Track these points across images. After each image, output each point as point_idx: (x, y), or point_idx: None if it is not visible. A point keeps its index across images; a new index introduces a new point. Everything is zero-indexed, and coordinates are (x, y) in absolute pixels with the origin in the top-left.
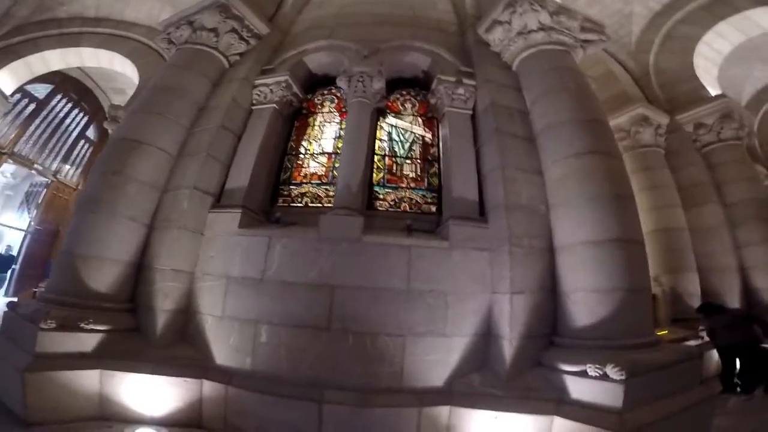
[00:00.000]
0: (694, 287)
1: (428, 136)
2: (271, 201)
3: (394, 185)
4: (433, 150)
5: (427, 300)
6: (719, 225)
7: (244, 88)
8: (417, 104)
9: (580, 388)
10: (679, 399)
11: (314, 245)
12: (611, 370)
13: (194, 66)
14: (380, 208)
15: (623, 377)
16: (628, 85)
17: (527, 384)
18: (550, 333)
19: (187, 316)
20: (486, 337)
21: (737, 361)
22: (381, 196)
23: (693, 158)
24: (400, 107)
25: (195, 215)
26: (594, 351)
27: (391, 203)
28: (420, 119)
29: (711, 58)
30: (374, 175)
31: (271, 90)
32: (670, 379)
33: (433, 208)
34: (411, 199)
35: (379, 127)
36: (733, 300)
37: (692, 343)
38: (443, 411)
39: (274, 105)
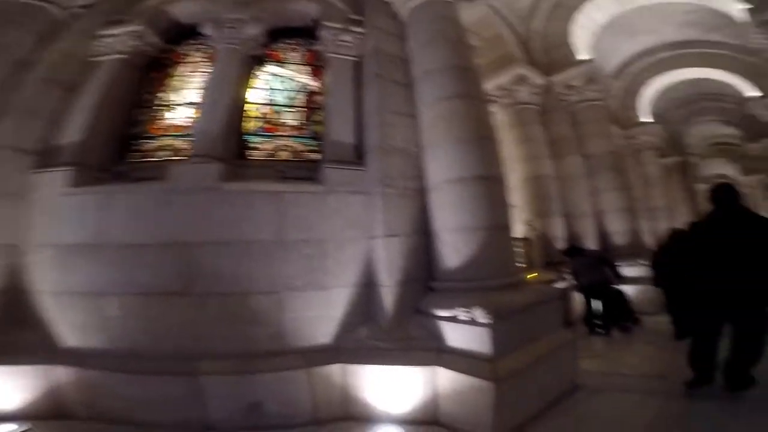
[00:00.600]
0: (560, 231)
1: (315, 84)
2: (120, 157)
3: (271, 134)
4: (320, 99)
5: (303, 250)
6: (580, 174)
7: (84, 40)
8: (305, 53)
9: (454, 335)
10: (547, 341)
11: (164, 199)
12: (479, 314)
13: (15, 19)
14: (254, 158)
15: (491, 321)
16: (513, 48)
17: (409, 333)
18: (428, 277)
19: (21, 296)
20: (369, 287)
21: (597, 301)
22: (255, 146)
23: (562, 115)
24: (285, 56)
25: (13, 178)
26: (463, 294)
27: (269, 153)
28: (307, 68)
29: (588, 27)
30: (248, 124)
31: (120, 40)
32: (536, 321)
33: (316, 157)
34: (291, 147)
35: (254, 76)
36: (591, 242)
37: (560, 285)
38: (335, 369)
39: (123, 56)
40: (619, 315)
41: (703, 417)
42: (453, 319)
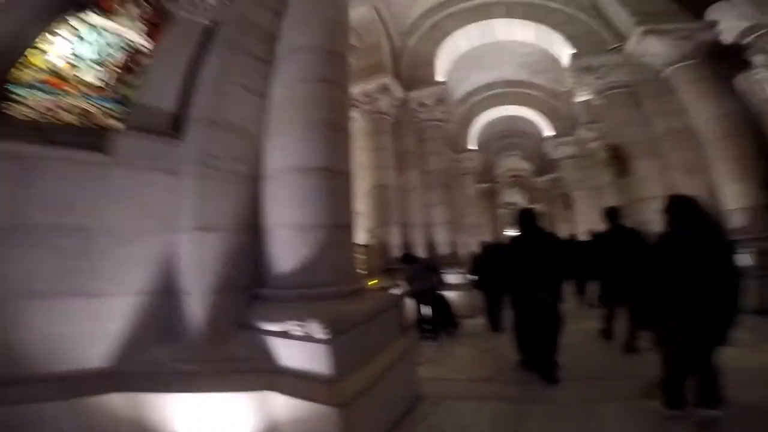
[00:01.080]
0: (396, 239)
1: (145, 44)
2: None
3: (56, 90)
4: (146, 61)
5: (55, 241)
6: (418, 188)
7: None
8: (146, 9)
9: (289, 353)
10: (390, 352)
11: None
12: (315, 328)
13: None
14: (15, 115)
15: (329, 336)
16: (386, 58)
17: (231, 353)
18: (254, 284)
19: None
20: (170, 295)
21: (426, 307)
22: (23, 101)
23: (411, 130)
24: (118, 7)
25: None
26: (299, 304)
27: (45, 111)
28: (143, 26)
29: (452, 53)
30: (21, 73)
31: None
32: (378, 331)
33: (120, 125)
34: (84, 109)
35: (63, 20)
36: (421, 251)
37: (395, 291)
38: (117, 400)
39: None
40: (445, 319)
41: (532, 417)
42: (285, 335)
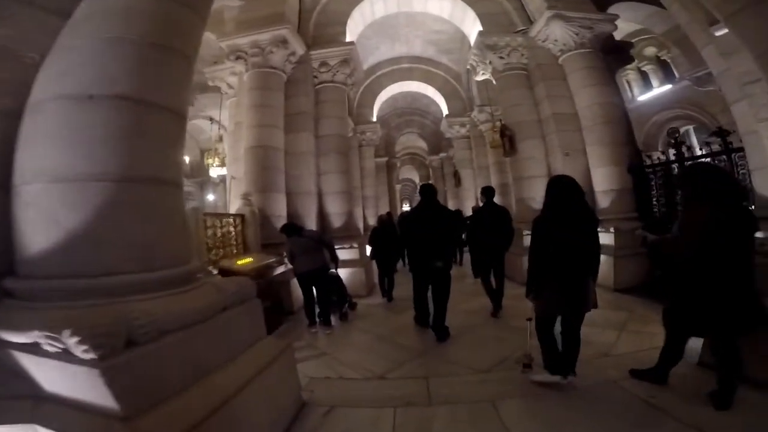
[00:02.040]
0: (282, 209)
1: None
2: None
3: None
4: None
5: None
6: (309, 152)
7: None
8: None
9: (49, 375)
10: (251, 359)
11: None
12: (72, 342)
13: None
14: None
15: (96, 354)
16: (290, 11)
17: None
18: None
19: None
20: None
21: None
22: None
23: (307, 90)
24: None
25: None
26: (53, 303)
27: None
28: None
29: (366, 17)
30: None
31: None
32: (221, 334)
33: None
34: None
35: None
36: (312, 223)
37: (279, 270)
38: None
39: None
40: (338, 301)
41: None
42: (35, 350)
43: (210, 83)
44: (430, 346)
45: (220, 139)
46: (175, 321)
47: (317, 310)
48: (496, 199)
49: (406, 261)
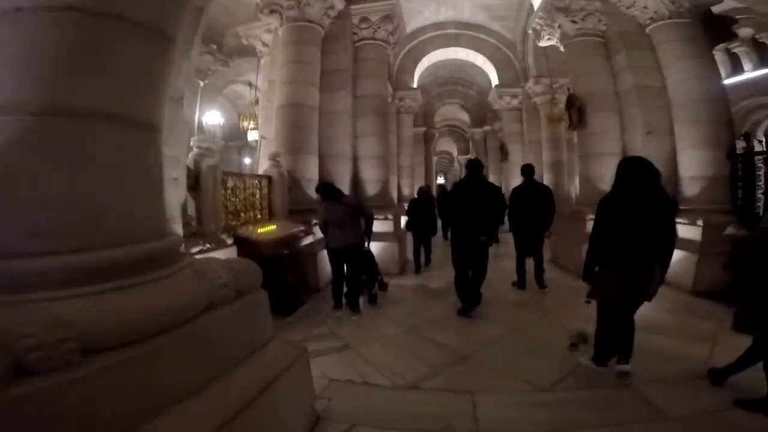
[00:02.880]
0: (313, 172)
1: None
2: None
3: None
4: None
5: None
6: (345, 112)
7: None
8: None
9: None
10: (252, 371)
11: None
12: None
13: None
14: None
15: None
16: None
17: None
18: None
19: None
20: None
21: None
22: None
23: (345, 46)
24: None
25: None
26: None
27: None
28: None
29: None
30: None
31: None
32: (199, 345)
33: None
34: None
35: None
36: (345, 189)
37: (306, 241)
38: None
39: None
40: (368, 281)
41: None
42: None
43: (244, 41)
44: (476, 347)
45: (257, 101)
46: (117, 332)
47: (345, 290)
48: (547, 178)
49: (448, 235)
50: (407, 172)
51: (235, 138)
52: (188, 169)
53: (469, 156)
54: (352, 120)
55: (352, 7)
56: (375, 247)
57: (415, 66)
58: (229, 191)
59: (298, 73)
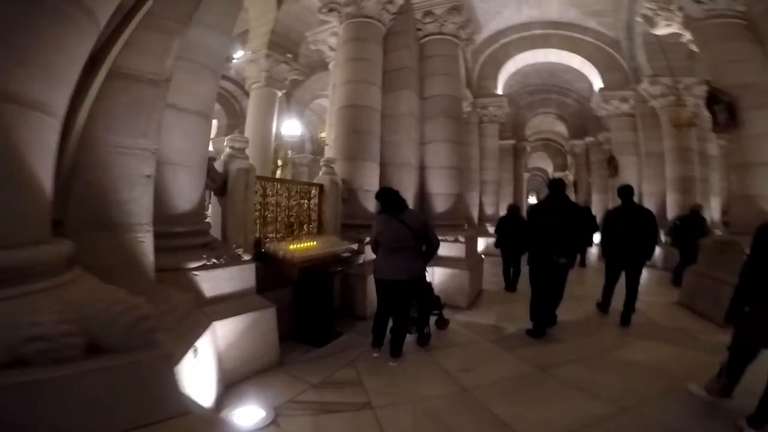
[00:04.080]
0: (373, 182)
1: None
2: None
3: None
4: None
5: None
6: (410, 114)
7: None
8: None
9: None
10: None
11: None
12: None
13: None
14: None
15: None
16: None
17: None
18: None
19: None
20: None
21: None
22: None
23: (408, 42)
24: None
25: None
26: None
27: None
28: None
29: None
30: None
31: None
32: None
33: None
34: None
35: None
36: (409, 203)
37: (357, 261)
38: None
39: None
40: (419, 316)
41: None
42: None
43: (312, 47)
44: None
45: None
46: None
47: (390, 325)
48: (671, 198)
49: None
50: (492, 188)
51: (318, 152)
52: (214, 171)
53: (566, 173)
54: (419, 124)
55: (414, 0)
56: (439, 273)
57: (498, 71)
58: (270, 198)
59: (357, 72)
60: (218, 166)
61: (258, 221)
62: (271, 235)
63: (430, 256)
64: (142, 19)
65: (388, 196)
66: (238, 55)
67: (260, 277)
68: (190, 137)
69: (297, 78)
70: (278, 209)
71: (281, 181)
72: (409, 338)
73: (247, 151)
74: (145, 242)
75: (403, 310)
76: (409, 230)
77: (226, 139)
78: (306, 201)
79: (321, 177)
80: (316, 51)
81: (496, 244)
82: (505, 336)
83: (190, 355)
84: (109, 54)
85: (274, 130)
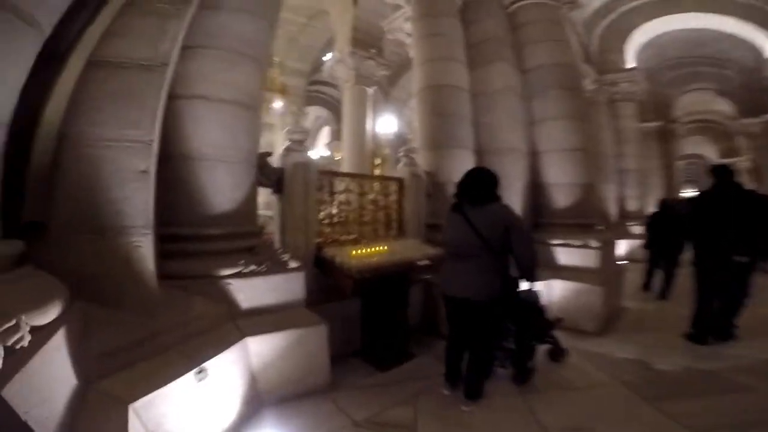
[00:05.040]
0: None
1: None
2: None
3: None
4: None
5: None
6: (507, 89)
7: None
8: None
9: None
10: None
11: None
12: None
13: None
14: None
15: None
16: None
17: None
18: None
19: None
20: None
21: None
22: None
23: (491, 11)
24: None
25: None
26: None
27: None
28: None
29: None
30: None
31: None
32: None
33: None
34: None
35: None
36: (517, 197)
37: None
38: None
39: None
40: (519, 348)
41: None
42: None
43: (390, 36)
44: None
45: None
46: None
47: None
48: None
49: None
50: (634, 179)
51: None
52: (268, 166)
53: (737, 159)
54: (523, 102)
55: None
56: (559, 288)
57: (623, 43)
58: (339, 196)
59: (434, 49)
60: (273, 161)
61: (324, 222)
62: (342, 237)
63: (523, 269)
64: (127, 4)
65: (464, 180)
66: (327, 57)
67: (323, 286)
68: (228, 130)
69: (385, 73)
70: (348, 208)
71: (351, 175)
72: (503, 372)
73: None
74: (143, 247)
75: (481, 340)
76: (474, 233)
77: (285, 130)
78: (383, 198)
79: (400, 170)
80: (405, 48)
81: (646, 245)
82: (649, 378)
83: (189, 377)
84: (79, 45)
85: (368, 127)
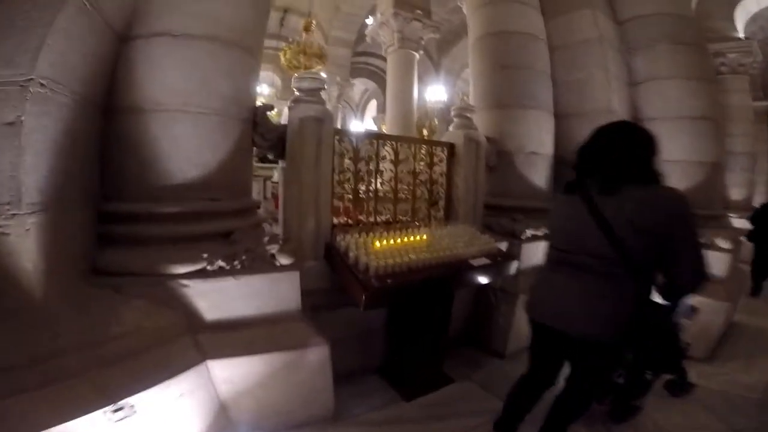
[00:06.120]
0: (543, 141)
1: None
2: None
3: None
4: None
5: None
6: (598, 40)
7: None
8: None
9: None
10: None
11: None
12: None
13: None
14: None
15: None
16: None
17: None
18: None
19: None
20: None
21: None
22: None
23: None
24: None
25: None
26: None
27: None
28: None
29: None
30: None
31: None
32: None
33: None
34: None
35: None
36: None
37: (508, 269)
38: None
39: None
40: (629, 383)
41: None
42: None
43: None
44: None
45: None
46: None
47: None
48: None
49: None
50: (742, 163)
51: None
52: (265, 122)
53: None
54: (621, 56)
55: None
56: (695, 302)
57: (732, 10)
58: (365, 165)
59: None
60: (272, 116)
61: (342, 199)
62: (371, 219)
63: (674, 293)
64: None
65: (591, 143)
66: (369, 21)
67: (337, 284)
68: (197, 71)
69: (433, 36)
70: (379, 181)
71: (384, 137)
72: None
73: (325, 94)
74: (11, 235)
75: (582, 390)
76: (603, 231)
77: (293, 78)
78: (427, 169)
79: (451, 133)
80: (458, 14)
81: (750, 237)
82: None
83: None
84: None
85: (415, 94)
